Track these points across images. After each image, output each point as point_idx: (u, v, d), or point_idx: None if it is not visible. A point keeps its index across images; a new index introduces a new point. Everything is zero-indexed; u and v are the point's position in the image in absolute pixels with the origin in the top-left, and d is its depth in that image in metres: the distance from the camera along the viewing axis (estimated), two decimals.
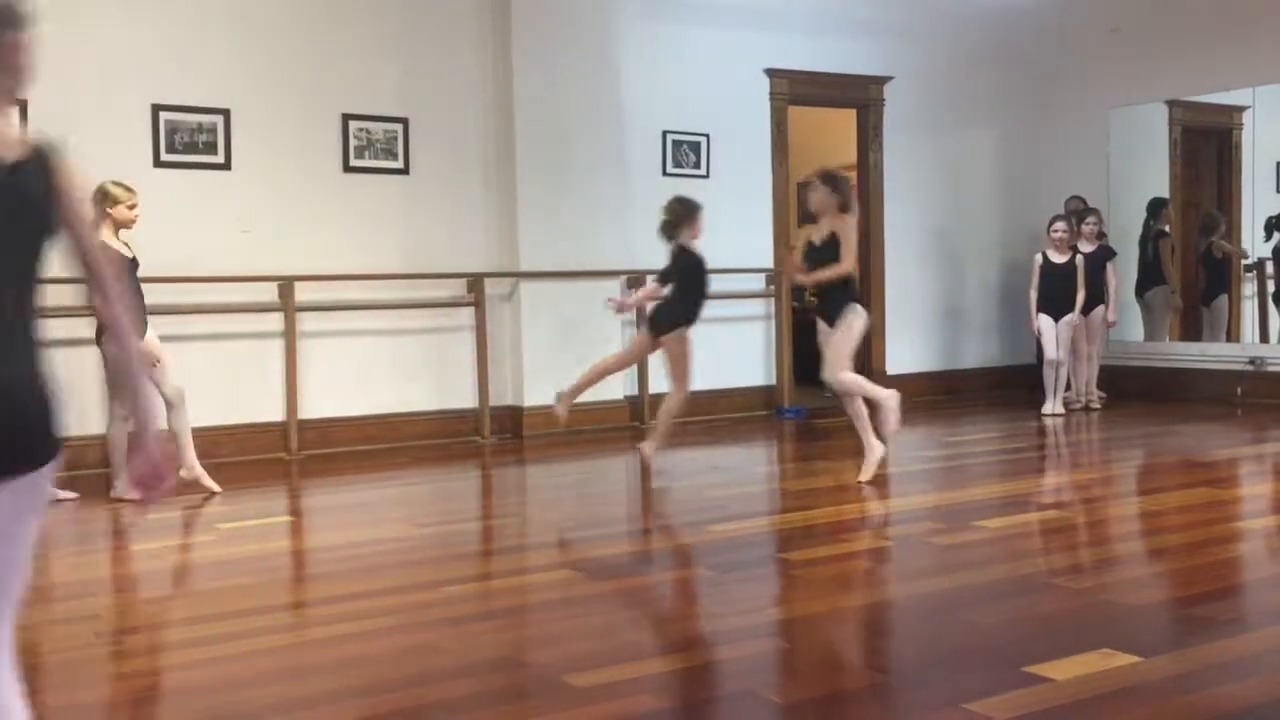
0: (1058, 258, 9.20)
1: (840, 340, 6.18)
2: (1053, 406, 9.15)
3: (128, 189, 6.14)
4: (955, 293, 10.82)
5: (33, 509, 2.11)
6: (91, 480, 6.71)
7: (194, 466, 6.29)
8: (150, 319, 6.90)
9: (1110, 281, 9.31)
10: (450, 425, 8.30)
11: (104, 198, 6.08)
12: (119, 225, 6.11)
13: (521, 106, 8.35)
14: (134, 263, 6.17)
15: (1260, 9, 9.50)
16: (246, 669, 3.52)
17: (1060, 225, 9.24)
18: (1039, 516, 5.56)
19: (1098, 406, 9.39)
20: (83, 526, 5.79)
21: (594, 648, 3.56)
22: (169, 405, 6.23)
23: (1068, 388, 9.37)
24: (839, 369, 6.17)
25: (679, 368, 6.60)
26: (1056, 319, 9.16)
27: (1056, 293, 9.16)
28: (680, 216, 6.60)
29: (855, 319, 6.21)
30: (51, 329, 6.36)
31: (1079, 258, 9.21)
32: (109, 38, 7.25)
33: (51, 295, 6.48)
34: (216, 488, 6.30)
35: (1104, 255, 9.33)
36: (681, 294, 6.59)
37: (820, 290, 6.37)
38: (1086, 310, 9.21)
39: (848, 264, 6.19)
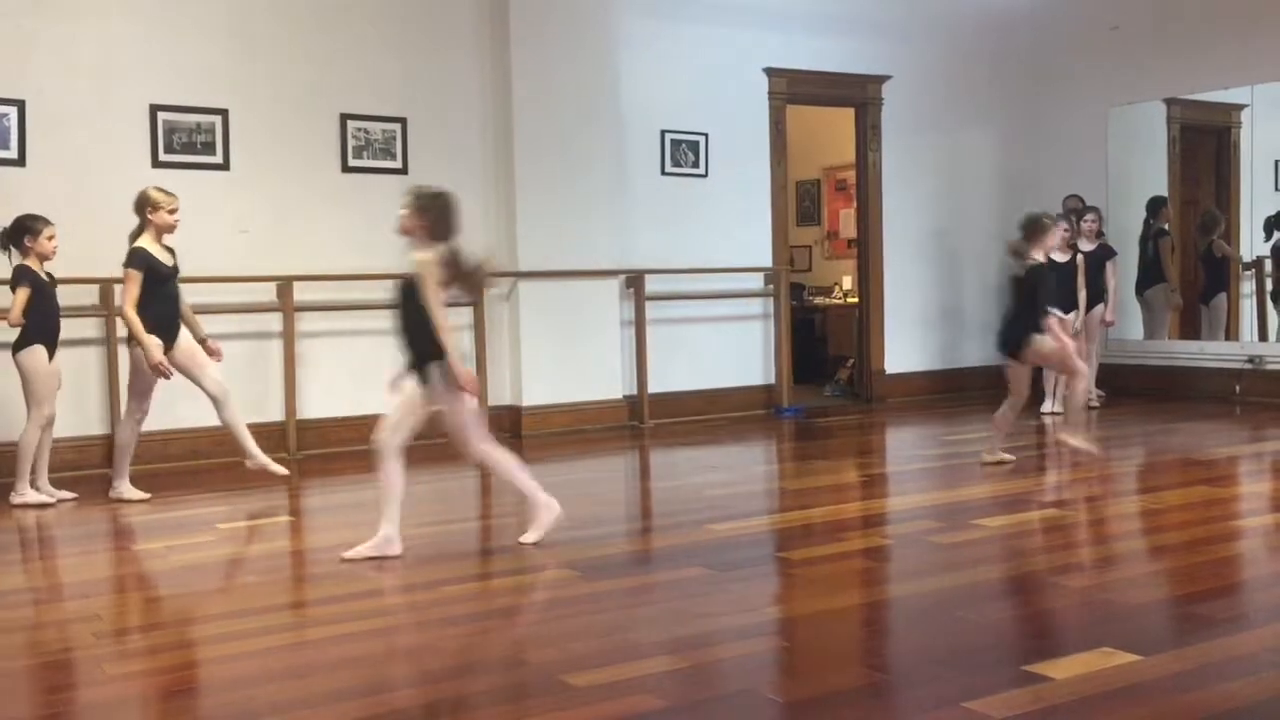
0: (1059, 257, 9.20)
1: (457, 410, 4.84)
2: (1052, 405, 9.15)
3: (168, 194, 6.15)
4: (954, 291, 10.82)
5: None
6: (92, 480, 6.71)
7: (256, 455, 6.42)
8: None
9: (1109, 281, 9.31)
10: None
11: (145, 203, 6.10)
12: (161, 230, 6.13)
13: (520, 106, 8.35)
14: (174, 270, 6.20)
15: (1259, 7, 9.50)
16: (246, 669, 3.52)
17: (1062, 224, 9.24)
18: (1038, 515, 5.56)
19: (1096, 405, 9.39)
20: (83, 527, 5.79)
21: (593, 647, 3.56)
22: (216, 403, 6.33)
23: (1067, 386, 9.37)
24: (481, 442, 4.93)
25: (1060, 359, 6.71)
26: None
27: (1058, 291, 9.15)
28: (1030, 234, 6.75)
29: (444, 384, 4.77)
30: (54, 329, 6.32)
31: (1079, 257, 9.21)
32: (107, 38, 7.25)
33: (60, 296, 6.49)
34: (284, 471, 6.42)
35: (1104, 254, 9.33)
36: (1027, 308, 6.71)
37: (408, 336, 4.82)
38: (1086, 309, 9.22)
39: (440, 322, 4.67)
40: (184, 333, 6.27)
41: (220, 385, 6.33)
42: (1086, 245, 9.31)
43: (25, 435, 6.08)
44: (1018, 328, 6.73)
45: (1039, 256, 6.75)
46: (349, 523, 5.67)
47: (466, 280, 4.87)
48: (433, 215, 4.76)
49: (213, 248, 7.47)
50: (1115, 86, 10.45)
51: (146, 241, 6.09)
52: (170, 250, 6.21)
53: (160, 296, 6.11)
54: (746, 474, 7.22)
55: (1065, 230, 9.24)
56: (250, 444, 6.41)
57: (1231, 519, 5.50)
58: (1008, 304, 6.99)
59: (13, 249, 6.08)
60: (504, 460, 4.99)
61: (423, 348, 4.75)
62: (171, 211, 6.13)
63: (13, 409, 6.60)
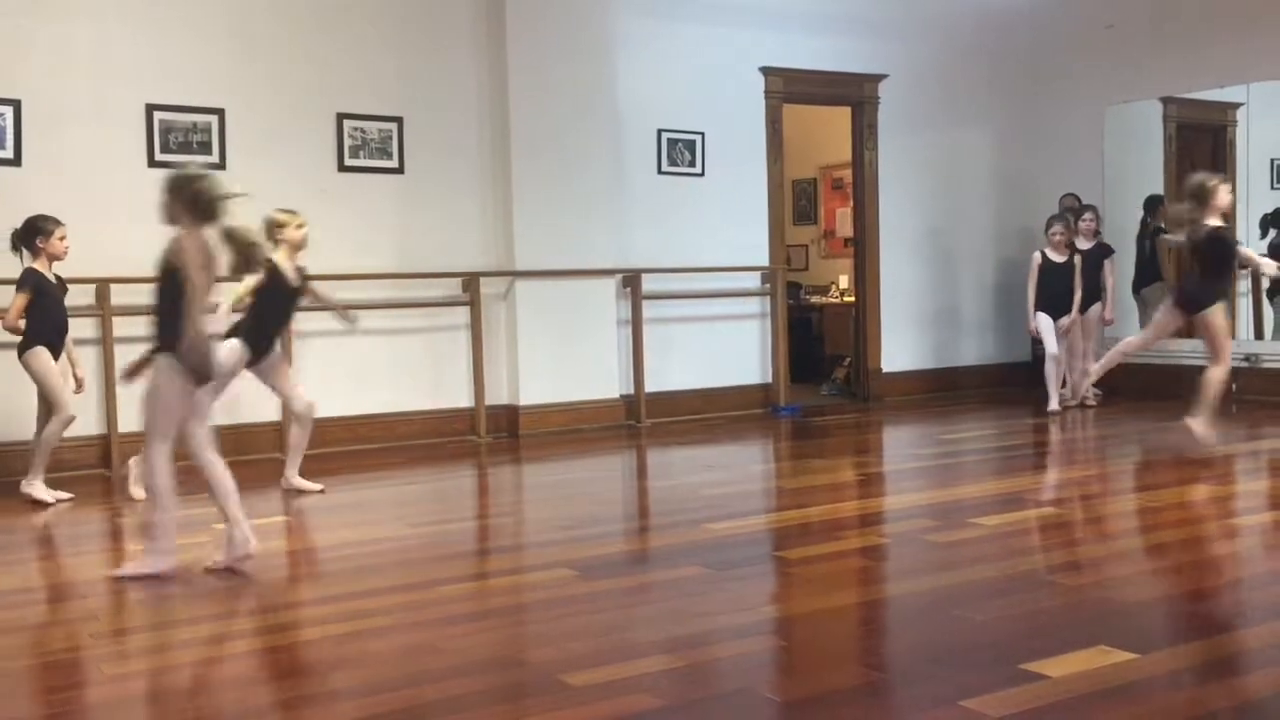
0: (1057, 257, 9.20)
1: (150, 396, 4.60)
2: (1057, 404, 9.09)
3: (290, 212, 6.17)
4: (950, 290, 10.82)
5: None
6: (89, 480, 6.71)
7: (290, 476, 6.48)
8: (146, 319, 6.86)
9: (1108, 279, 9.32)
10: (446, 424, 8.30)
11: (273, 225, 6.11)
12: (294, 248, 6.14)
13: (516, 105, 8.35)
14: (296, 288, 6.21)
15: (1255, 6, 9.51)
16: (244, 668, 3.52)
17: (1058, 227, 9.23)
18: (1035, 513, 5.56)
19: (1093, 404, 9.39)
20: (79, 527, 5.79)
21: (591, 646, 3.56)
22: (297, 418, 6.40)
23: (1063, 385, 9.37)
24: (152, 440, 4.58)
25: (1220, 341, 6.76)
26: (1056, 318, 9.15)
27: (1056, 292, 9.16)
28: (1201, 200, 6.70)
29: (162, 377, 4.54)
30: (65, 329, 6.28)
31: (1076, 256, 9.22)
32: (103, 37, 7.24)
33: (73, 296, 6.49)
34: (319, 487, 6.44)
35: (1101, 253, 9.34)
36: (1215, 273, 6.79)
37: (158, 321, 4.63)
38: (1083, 308, 9.23)
39: (190, 302, 4.49)
40: (279, 348, 6.36)
41: (305, 402, 6.38)
42: (1084, 244, 9.32)
43: (49, 429, 6.13)
44: (1208, 292, 6.75)
45: (1214, 220, 6.69)
46: (346, 522, 5.67)
47: (241, 258, 4.72)
48: (187, 197, 4.57)
49: None
50: (1112, 85, 10.46)
51: (282, 258, 6.11)
52: (299, 267, 6.22)
53: (273, 310, 6.16)
54: (744, 473, 7.22)
55: (1061, 232, 9.23)
56: (297, 462, 6.47)
57: (1228, 517, 5.51)
58: (1191, 269, 6.96)
59: (24, 250, 6.10)
60: (223, 477, 4.75)
61: (167, 334, 4.54)
62: (299, 226, 6.15)
63: (16, 408, 6.61)
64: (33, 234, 6.07)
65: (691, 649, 3.54)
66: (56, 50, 7.11)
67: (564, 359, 8.57)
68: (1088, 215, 9.42)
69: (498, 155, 8.45)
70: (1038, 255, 9.25)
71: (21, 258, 6.13)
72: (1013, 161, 10.99)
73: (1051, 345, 9.17)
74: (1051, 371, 9.17)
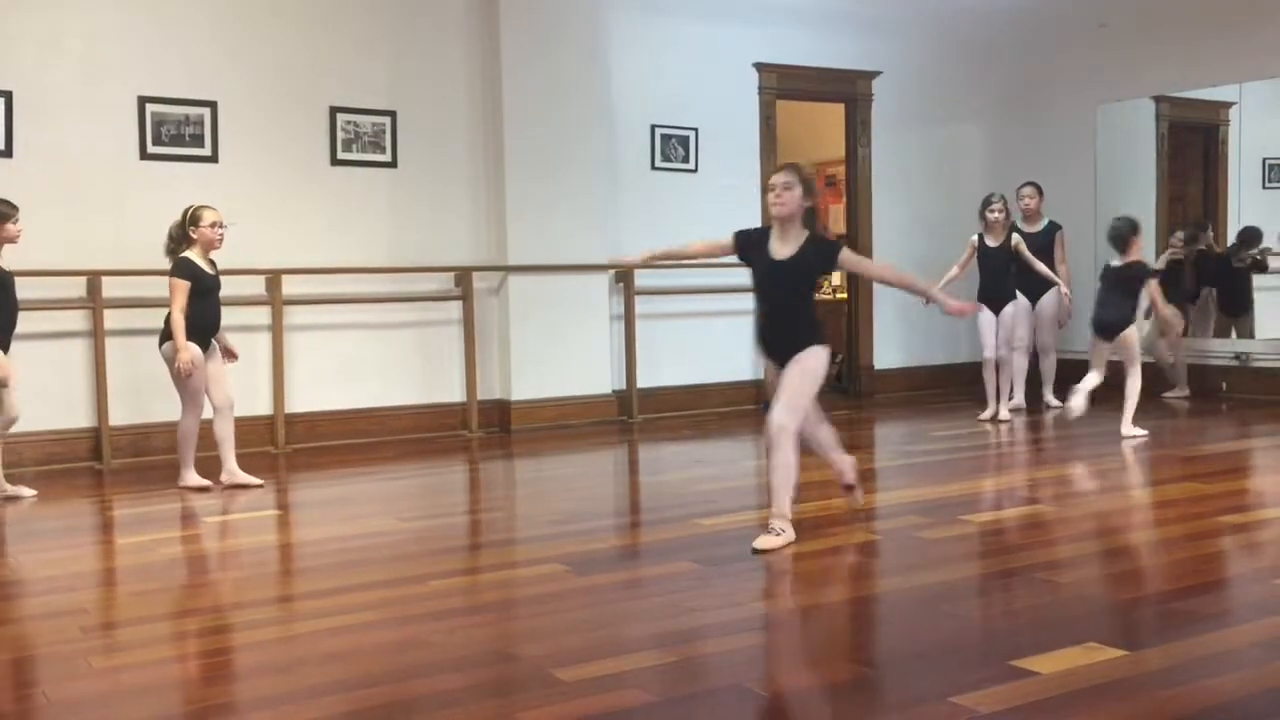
0: (992, 241, 8.59)
1: None
2: (994, 409, 8.61)
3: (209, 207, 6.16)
4: (943, 288, 10.82)
5: None
6: (76, 474, 6.69)
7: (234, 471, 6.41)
8: (136, 312, 6.89)
9: (1036, 265, 8.62)
10: (438, 419, 8.30)
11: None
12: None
13: (510, 100, 8.34)
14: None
15: (1248, 5, 9.52)
16: (233, 663, 3.51)
17: (996, 204, 8.57)
18: (1025, 511, 5.58)
19: (1006, 419, 8.57)
20: (68, 520, 5.78)
21: (581, 641, 3.57)
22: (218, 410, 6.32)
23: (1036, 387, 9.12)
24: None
25: None
26: (996, 311, 8.66)
27: (993, 282, 8.62)
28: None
29: None
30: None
31: (1016, 236, 8.67)
32: (95, 29, 7.22)
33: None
34: (259, 481, 6.36)
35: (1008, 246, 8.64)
36: None
37: None
38: (999, 306, 8.68)
39: None
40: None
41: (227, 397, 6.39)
42: (992, 241, 8.63)
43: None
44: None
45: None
46: (336, 516, 5.67)
47: None
48: None
49: None
50: (1104, 84, 10.47)
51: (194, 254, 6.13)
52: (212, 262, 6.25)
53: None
54: (735, 469, 7.22)
55: (999, 210, 8.55)
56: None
57: (1217, 515, 5.52)
58: None
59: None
60: None
61: None
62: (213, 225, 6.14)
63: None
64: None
65: (682, 644, 3.54)
66: (48, 41, 7.09)
67: (556, 354, 8.57)
68: (995, 204, 8.57)
69: (491, 150, 8.44)
70: (975, 239, 8.71)
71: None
72: (1006, 159, 10.99)
73: (988, 346, 8.69)
74: (989, 375, 8.67)
